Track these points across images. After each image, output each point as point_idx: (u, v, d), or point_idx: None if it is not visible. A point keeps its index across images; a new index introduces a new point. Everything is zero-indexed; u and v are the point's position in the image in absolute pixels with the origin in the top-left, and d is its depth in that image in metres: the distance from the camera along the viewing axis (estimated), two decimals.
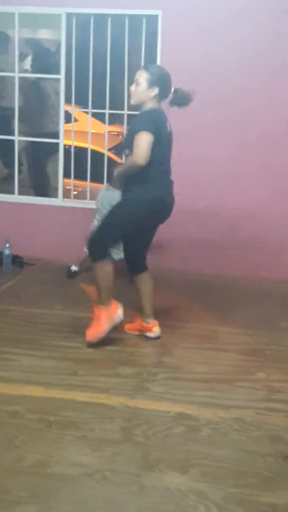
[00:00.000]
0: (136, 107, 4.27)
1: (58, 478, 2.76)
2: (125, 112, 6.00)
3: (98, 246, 4.18)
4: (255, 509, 2.62)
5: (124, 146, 4.48)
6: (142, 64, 5.78)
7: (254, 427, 3.27)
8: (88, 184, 6.26)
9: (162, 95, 4.15)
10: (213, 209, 5.85)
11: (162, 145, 4.06)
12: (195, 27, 5.64)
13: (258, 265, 5.86)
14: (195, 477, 2.83)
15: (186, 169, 5.18)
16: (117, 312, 4.21)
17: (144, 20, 5.77)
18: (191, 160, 5.56)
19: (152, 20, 5.74)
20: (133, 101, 4.21)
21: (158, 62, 5.73)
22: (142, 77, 4.10)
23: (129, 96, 4.25)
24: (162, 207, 4.19)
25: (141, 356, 4.15)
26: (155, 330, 4.39)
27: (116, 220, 4.17)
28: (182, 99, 4.22)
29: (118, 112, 6.17)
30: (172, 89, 4.19)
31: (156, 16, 5.70)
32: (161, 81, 4.12)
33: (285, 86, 5.63)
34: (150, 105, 4.13)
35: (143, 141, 3.94)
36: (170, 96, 4.20)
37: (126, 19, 5.79)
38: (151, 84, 4.08)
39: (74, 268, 5.77)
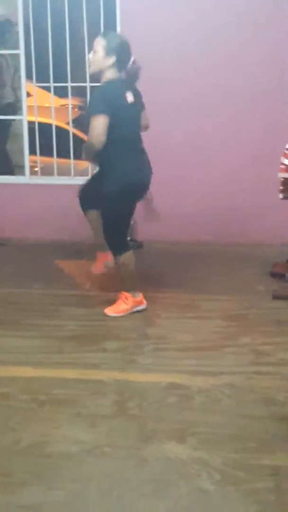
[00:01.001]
0: (96, 77, 4.17)
1: (58, 456, 2.74)
2: (88, 84, 5.89)
3: (116, 243, 4.26)
4: (257, 472, 2.64)
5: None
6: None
7: (246, 392, 3.30)
8: (54, 160, 6.16)
9: (120, 64, 4.05)
10: (184, 180, 5.82)
11: (123, 121, 3.99)
12: None
13: (232, 231, 5.88)
14: (194, 445, 2.84)
15: (154, 142, 5.12)
16: (143, 304, 4.40)
17: None
18: (158, 133, 5.49)
19: None
20: (91, 70, 4.15)
21: (118, 27, 5.63)
22: (100, 44, 4.01)
23: (88, 65, 4.17)
24: (141, 184, 4.23)
25: (124, 329, 4.14)
26: (144, 302, 4.45)
27: (114, 214, 4.17)
28: (134, 73, 4.18)
29: (81, 84, 6.06)
30: (132, 59, 4.13)
31: None
32: (119, 49, 4.01)
33: (250, 57, 5.58)
34: (108, 75, 4.04)
35: (97, 123, 3.88)
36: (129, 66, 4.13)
37: None
38: (109, 51, 3.99)
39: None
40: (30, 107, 6.16)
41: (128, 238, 5.46)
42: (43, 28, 5.85)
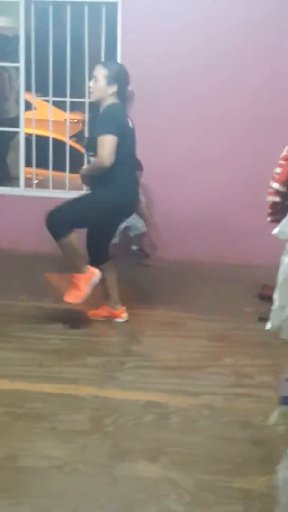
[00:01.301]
0: (97, 104, 4.24)
1: (28, 471, 2.72)
2: (86, 100, 5.92)
3: (60, 225, 4.09)
4: (227, 495, 2.62)
5: (86, 147, 4.43)
6: (102, 57, 5.78)
7: (223, 413, 3.28)
8: (50, 173, 6.18)
9: (121, 92, 4.14)
10: (175, 199, 5.83)
11: (126, 144, 4.07)
12: (155, 15, 5.58)
13: (221, 250, 5.86)
14: (166, 465, 2.82)
15: (149, 154, 5.14)
16: (95, 274, 4.21)
17: (103, 8, 5.69)
18: (153, 146, 5.52)
19: (111, 8, 5.67)
20: (92, 98, 4.22)
21: (118, 51, 5.68)
22: (101, 73, 4.09)
23: (88, 92, 4.23)
24: (127, 209, 4.31)
25: (108, 345, 4.12)
26: (124, 315, 4.45)
27: (82, 210, 4.18)
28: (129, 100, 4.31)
29: (79, 100, 6.09)
30: (129, 87, 4.25)
31: (115, 4, 5.63)
32: (120, 78, 4.11)
33: (250, 72, 5.60)
34: (110, 100, 4.11)
35: (107, 143, 3.94)
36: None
37: (86, 7, 5.71)
38: (110, 81, 4.07)
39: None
40: (36, 120, 6.19)
41: (136, 248, 5.62)
42: (44, 41, 5.88)
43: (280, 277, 1.35)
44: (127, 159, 4.11)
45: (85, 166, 4.50)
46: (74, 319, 4.47)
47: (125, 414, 3.23)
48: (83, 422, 3.15)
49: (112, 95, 4.10)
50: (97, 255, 4.37)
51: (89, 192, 4.31)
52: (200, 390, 3.53)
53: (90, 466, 2.78)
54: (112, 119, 4.03)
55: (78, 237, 4.15)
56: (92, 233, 4.36)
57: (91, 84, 4.15)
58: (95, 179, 4.16)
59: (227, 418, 3.24)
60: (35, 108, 6.37)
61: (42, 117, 6.48)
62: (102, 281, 4.32)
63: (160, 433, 3.09)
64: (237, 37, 5.56)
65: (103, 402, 3.36)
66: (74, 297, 4.22)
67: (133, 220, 5.45)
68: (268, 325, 2.28)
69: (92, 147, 4.09)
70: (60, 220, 4.10)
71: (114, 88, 4.09)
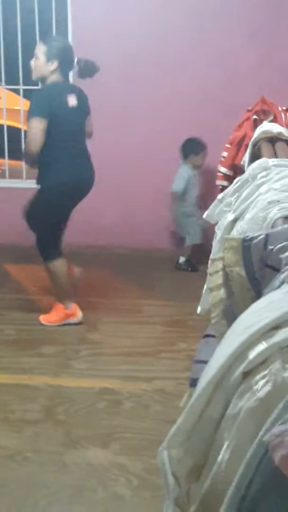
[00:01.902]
0: (41, 82, 4.16)
1: None
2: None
3: (46, 247, 4.13)
4: None
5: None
6: (54, 33, 5.70)
7: (175, 397, 3.32)
8: (6, 162, 6.15)
9: (64, 68, 4.05)
10: (133, 186, 5.84)
11: (62, 124, 3.96)
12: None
13: (176, 237, 5.91)
14: (117, 450, 2.87)
15: (103, 146, 5.15)
16: (76, 316, 4.22)
17: None
18: (107, 140, 5.52)
19: None
20: (34, 76, 4.12)
21: (70, 29, 5.64)
22: (40, 50, 3.99)
23: (31, 71, 4.13)
24: (77, 187, 4.15)
25: (63, 334, 4.15)
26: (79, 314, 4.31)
27: (45, 216, 4.10)
28: (86, 70, 4.17)
29: (33, 88, 6.05)
30: (75, 60, 4.13)
31: None
32: (61, 53, 4.00)
33: (199, 58, 5.63)
34: (51, 79, 4.02)
35: (34, 128, 3.85)
36: (75, 67, 4.14)
37: None
38: (50, 57, 3.97)
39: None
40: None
41: (184, 260, 5.53)
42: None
43: (210, 260, 1.39)
44: (64, 142, 3.99)
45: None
46: (31, 308, 4.48)
47: (78, 402, 3.27)
48: (35, 412, 3.18)
49: (53, 72, 4.00)
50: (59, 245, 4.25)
51: (38, 189, 4.17)
52: (153, 375, 3.58)
53: (41, 454, 2.82)
54: (42, 101, 3.90)
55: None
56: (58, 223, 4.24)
57: (32, 62, 4.06)
58: (38, 162, 4.06)
59: (178, 402, 3.26)
60: None
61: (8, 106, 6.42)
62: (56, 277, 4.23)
63: (112, 420, 3.13)
64: (185, 24, 5.57)
65: (57, 391, 3.39)
66: (47, 320, 4.23)
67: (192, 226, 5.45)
68: (199, 309, 2.33)
69: None
70: (44, 243, 4.12)
71: (54, 65, 3.98)
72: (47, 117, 3.87)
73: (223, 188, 4.37)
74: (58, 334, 4.12)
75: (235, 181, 2.09)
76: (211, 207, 2.23)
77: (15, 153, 6.13)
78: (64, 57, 4.03)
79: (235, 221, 1.86)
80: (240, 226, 1.71)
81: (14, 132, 6.20)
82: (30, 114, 3.90)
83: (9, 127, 6.17)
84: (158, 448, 2.80)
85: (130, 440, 2.95)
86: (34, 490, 2.57)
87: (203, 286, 4.87)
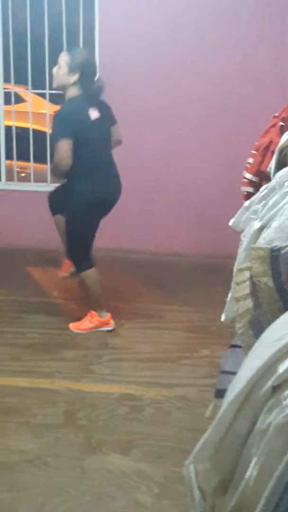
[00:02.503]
0: (62, 91, 4.17)
1: None
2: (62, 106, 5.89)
3: (80, 258, 4.23)
4: None
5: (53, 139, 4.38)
6: (80, 43, 5.71)
7: (196, 404, 3.30)
8: (31, 166, 6.17)
9: (84, 81, 4.03)
10: (156, 189, 5.82)
11: (87, 139, 4.00)
12: (133, 4, 5.56)
13: (201, 241, 5.88)
14: (137, 457, 2.85)
15: (127, 149, 5.13)
16: (109, 325, 4.28)
17: None
18: (131, 141, 5.50)
19: None
20: (54, 84, 4.14)
21: (96, 41, 5.65)
22: (63, 60, 4.01)
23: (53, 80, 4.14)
24: (104, 201, 4.21)
25: (85, 338, 4.14)
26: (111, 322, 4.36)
27: (78, 228, 4.17)
28: (97, 92, 4.14)
29: (59, 92, 6.06)
30: (96, 77, 4.14)
31: None
32: (82, 66, 4.01)
33: (222, 62, 5.60)
34: (72, 92, 4.04)
35: (62, 149, 3.92)
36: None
37: None
38: (72, 68, 3.98)
39: None
40: (23, 113, 6.16)
41: None
42: (22, 33, 5.85)
43: (235, 268, 1.37)
44: (89, 158, 4.03)
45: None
46: (53, 312, 4.49)
47: (99, 408, 3.26)
48: (56, 416, 3.18)
49: (74, 84, 4.02)
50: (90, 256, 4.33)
51: (68, 207, 4.22)
52: (174, 381, 3.56)
53: (61, 459, 2.81)
54: (66, 121, 3.97)
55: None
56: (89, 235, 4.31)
57: (54, 70, 4.07)
58: (67, 175, 4.13)
59: (200, 409, 3.25)
60: (24, 101, 6.31)
61: (32, 110, 6.45)
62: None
63: (133, 426, 3.11)
64: (209, 28, 5.55)
65: (78, 395, 3.38)
66: (77, 327, 4.26)
67: None
68: (223, 317, 2.31)
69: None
70: (78, 254, 4.24)
71: (75, 77, 4.00)
72: (72, 135, 3.92)
73: (248, 194, 4.34)
74: (80, 339, 4.11)
75: (262, 188, 2.06)
76: (237, 214, 2.21)
77: (40, 157, 6.17)
78: (85, 71, 4.03)
79: (261, 229, 1.84)
80: (267, 234, 1.69)
81: (39, 136, 6.21)
82: (56, 136, 3.98)
83: (34, 130, 6.19)
84: (179, 455, 2.80)
85: (151, 447, 2.94)
86: (53, 495, 2.57)
87: (224, 291, 4.85)
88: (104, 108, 4.17)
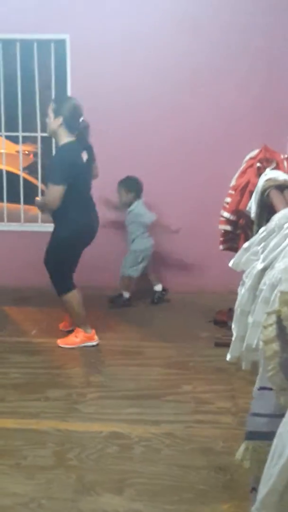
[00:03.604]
0: (54, 139, 4.56)
1: None
2: (38, 134, 5.99)
3: (61, 282, 4.53)
4: None
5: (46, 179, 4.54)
6: (53, 92, 5.87)
7: (184, 441, 3.34)
8: (5, 206, 6.20)
9: (69, 124, 4.31)
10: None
11: (79, 182, 4.33)
12: (102, 50, 5.69)
13: (178, 278, 5.96)
14: (131, 496, 2.87)
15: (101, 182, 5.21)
16: (93, 340, 4.65)
17: (52, 45, 5.78)
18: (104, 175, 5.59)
19: (60, 44, 5.76)
20: (47, 133, 4.48)
21: (68, 84, 5.77)
22: (50, 108, 4.34)
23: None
24: (89, 234, 4.55)
25: (68, 377, 4.15)
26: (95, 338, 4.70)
27: (60, 260, 4.49)
28: (84, 132, 4.42)
29: (32, 134, 6.16)
30: (81, 119, 4.38)
31: (64, 41, 5.72)
32: (64, 109, 4.29)
33: (193, 95, 5.75)
34: (63, 138, 4.33)
35: (54, 193, 4.23)
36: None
37: (35, 44, 5.78)
38: (56, 113, 4.29)
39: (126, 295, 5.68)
40: None
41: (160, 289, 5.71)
42: None
43: (238, 308, 1.43)
44: (78, 195, 4.35)
45: (40, 198, 4.63)
46: (34, 351, 4.49)
47: (88, 447, 3.27)
48: (47, 457, 3.17)
49: (60, 127, 4.31)
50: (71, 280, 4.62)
51: (53, 235, 4.52)
52: (160, 418, 3.59)
53: (56, 501, 2.81)
54: (64, 167, 4.24)
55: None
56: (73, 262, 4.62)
57: (47, 120, 4.39)
58: (54, 212, 4.39)
59: (188, 446, 3.30)
60: None
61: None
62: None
63: (124, 464, 3.13)
64: (180, 69, 5.71)
65: (66, 435, 3.39)
66: (66, 343, 4.60)
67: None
68: (228, 356, 2.36)
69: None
70: (60, 278, 4.53)
71: (59, 120, 4.29)
72: (66, 182, 4.21)
73: (225, 232, 4.47)
74: (63, 378, 4.13)
75: (260, 230, 2.15)
76: (237, 255, 2.29)
77: (13, 197, 6.23)
78: (69, 114, 4.31)
79: (264, 270, 1.92)
80: (272, 276, 1.77)
81: (12, 177, 6.29)
82: (52, 180, 4.24)
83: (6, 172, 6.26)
84: (172, 493, 2.84)
85: (143, 485, 2.95)
86: None
87: (199, 327, 4.91)
88: (88, 148, 4.48)
